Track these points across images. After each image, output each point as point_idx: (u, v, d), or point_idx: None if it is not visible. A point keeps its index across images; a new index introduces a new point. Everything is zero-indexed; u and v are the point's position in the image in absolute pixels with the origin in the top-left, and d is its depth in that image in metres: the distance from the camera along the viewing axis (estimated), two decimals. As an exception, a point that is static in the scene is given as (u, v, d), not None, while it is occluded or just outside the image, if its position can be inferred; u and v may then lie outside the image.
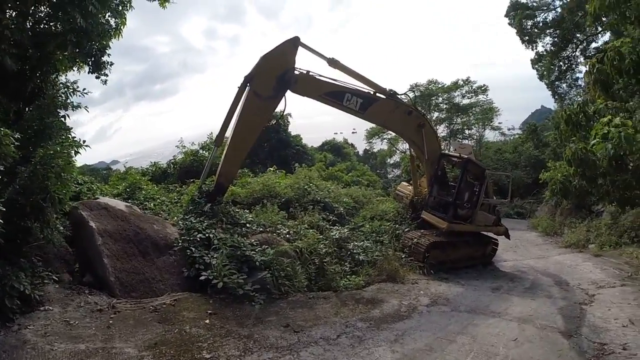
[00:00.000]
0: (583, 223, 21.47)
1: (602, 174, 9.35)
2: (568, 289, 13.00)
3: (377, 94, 15.07)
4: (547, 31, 35.73)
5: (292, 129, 40.33)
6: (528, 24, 35.95)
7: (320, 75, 13.95)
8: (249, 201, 15.68)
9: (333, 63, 14.40)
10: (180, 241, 11.06)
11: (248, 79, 13.15)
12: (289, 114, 39.85)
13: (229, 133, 13.79)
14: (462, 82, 41.89)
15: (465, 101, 42.55)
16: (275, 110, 13.97)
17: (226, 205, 13.56)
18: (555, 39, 35.45)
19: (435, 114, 40.94)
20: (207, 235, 11.35)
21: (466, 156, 16.05)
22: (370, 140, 48.57)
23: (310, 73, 13.78)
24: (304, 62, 13.72)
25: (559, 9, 35.23)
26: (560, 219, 24.45)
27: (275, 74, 13.24)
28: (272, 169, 21.06)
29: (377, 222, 16.52)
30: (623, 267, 14.95)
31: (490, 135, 44.94)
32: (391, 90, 15.32)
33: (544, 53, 36.52)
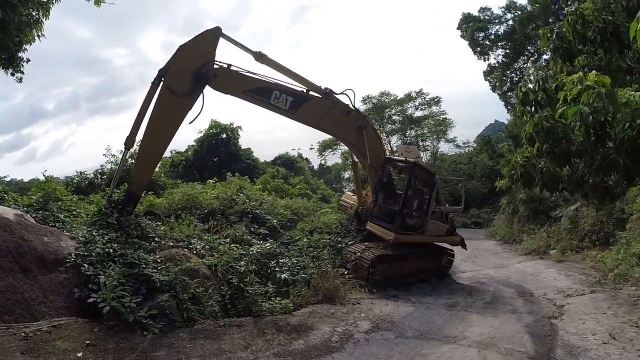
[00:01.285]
0: (542, 229, 19.97)
1: (577, 152, 7.01)
2: (533, 300, 11.20)
3: (311, 92, 13.08)
4: (499, 44, 35.38)
5: (249, 144, 38.59)
6: (480, 35, 35.36)
7: (246, 71, 12.02)
8: (169, 213, 13.40)
9: (260, 57, 12.43)
10: (74, 256, 8.82)
11: (162, 73, 11.18)
12: (239, 127, 38.04)
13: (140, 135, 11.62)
14: (415, 94, 40.18)
15: (419, 113, 40.81)
16: (192, 110, 11.75)
17: (136, 216, 11.45)
18: (507, 51, 34.83)
19: (389, 126, 39.12)
20: (106, 250, 9.17)
21: (412, 160, 13.98)
22: (323, 153, 46.09)
23: (232, 67, 11.81)
24: (230, 58, 11.65)
25: (510, 22, 34.98)
26: (518, 226, 22.89)
27: (192, 67, 11.25)
28: (211, 181, 18.60)
29: (316, 236, 14.24)
30: (589, 272, 13.54)
31: (445, 148, 43.31)
32: (327, 88, 13.29)
33: (496, 65, 36.04)
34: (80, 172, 18.69)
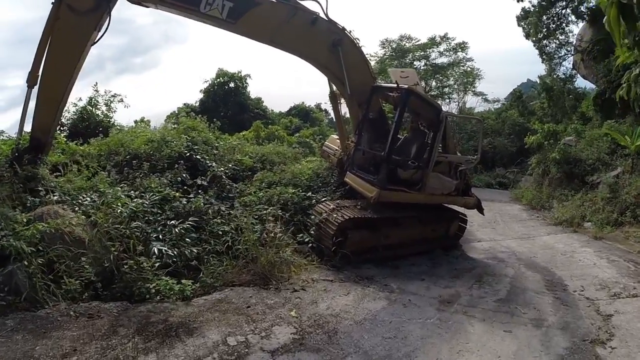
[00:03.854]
0: (576, 196, 16.09)
1: None
2: (567, 299, 7.34)
3: None
4: None
5: (273, 102, 35.03)
6: None
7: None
8: (95, 162, 10.03)
9: None
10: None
11: None
12: (248, 75, 34.31)
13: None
14: (439, 39, 34.17)
15: (443, 59, 35.04)
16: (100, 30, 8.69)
17: (37, 166, 8.40)
18: None
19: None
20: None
21: (406, 86, 9.62)
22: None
23: None
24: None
25: None
26: (548, 191, 18.64)
27: None
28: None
29: (277, 189, 10.26)
30: (636, 258, 9.75)
31: (472, 102, 38.11)
32: None
33: (531, 9, 30.42)
34: None
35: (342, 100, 11.12)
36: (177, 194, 8.69)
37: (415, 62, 33.94)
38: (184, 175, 9.70)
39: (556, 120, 25.39)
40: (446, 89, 35.19)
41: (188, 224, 7.50)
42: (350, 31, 9.99)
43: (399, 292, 7.24)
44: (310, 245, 8.68)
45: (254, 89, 33.73)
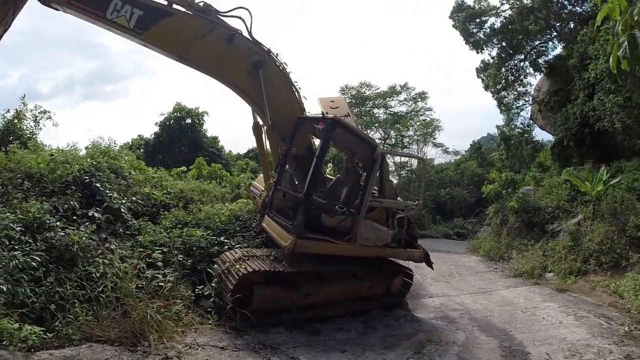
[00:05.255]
0: (536, 245, 15.36)
1: None
2: None
3: (175, 6, 7.95)
4: (494, 39, 30.39)
5: (232, 143, 33.90)
6: (472, 24, 30.37)
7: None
8: None
9: None
10: None
11: None
12: (206, 112, 33.00)
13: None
14: (399, 88, 33.49)
15: (402, 108, 34.31)
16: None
17: None
18: (503, 44, 30.15)
19: (364, 119, 33.17)
20: None
21: (332, 116, 8.10)
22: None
23: None
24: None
25: (508, 12, 29.65)
26: (506, 240, 17.61)
27: None
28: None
29: (183, 230, 8.64)
30: (607, 311, 8.79)
31: (432, 153, 37.47)
32: (202, 1, 8.08)
33: (490, 61, 31.08)
34: None
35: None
36: (58, 222, 7.17)
37: (374, 110, 33.48)
38: (73, 203, 8.12)
39: (515, 170, 25.31)
40: (406, 140, 34.47)
41: (33, 256, 6.01)
42: (277, 54, 8.59)
43: (306, 368, 5.43)
44: (213, 300, 6.97)
45: (212, 128, 32.41)
